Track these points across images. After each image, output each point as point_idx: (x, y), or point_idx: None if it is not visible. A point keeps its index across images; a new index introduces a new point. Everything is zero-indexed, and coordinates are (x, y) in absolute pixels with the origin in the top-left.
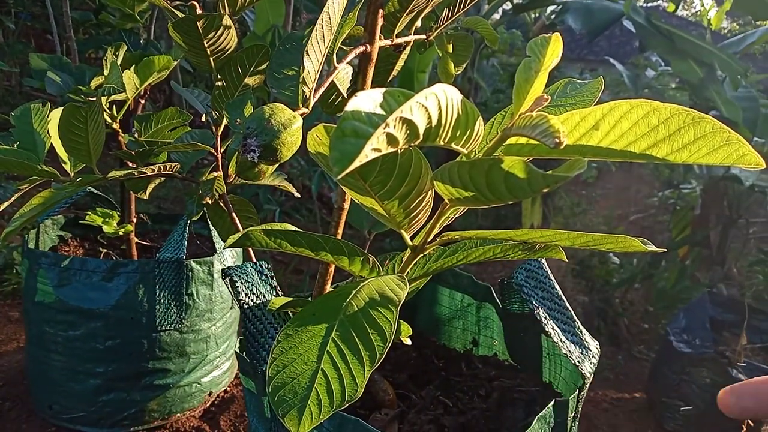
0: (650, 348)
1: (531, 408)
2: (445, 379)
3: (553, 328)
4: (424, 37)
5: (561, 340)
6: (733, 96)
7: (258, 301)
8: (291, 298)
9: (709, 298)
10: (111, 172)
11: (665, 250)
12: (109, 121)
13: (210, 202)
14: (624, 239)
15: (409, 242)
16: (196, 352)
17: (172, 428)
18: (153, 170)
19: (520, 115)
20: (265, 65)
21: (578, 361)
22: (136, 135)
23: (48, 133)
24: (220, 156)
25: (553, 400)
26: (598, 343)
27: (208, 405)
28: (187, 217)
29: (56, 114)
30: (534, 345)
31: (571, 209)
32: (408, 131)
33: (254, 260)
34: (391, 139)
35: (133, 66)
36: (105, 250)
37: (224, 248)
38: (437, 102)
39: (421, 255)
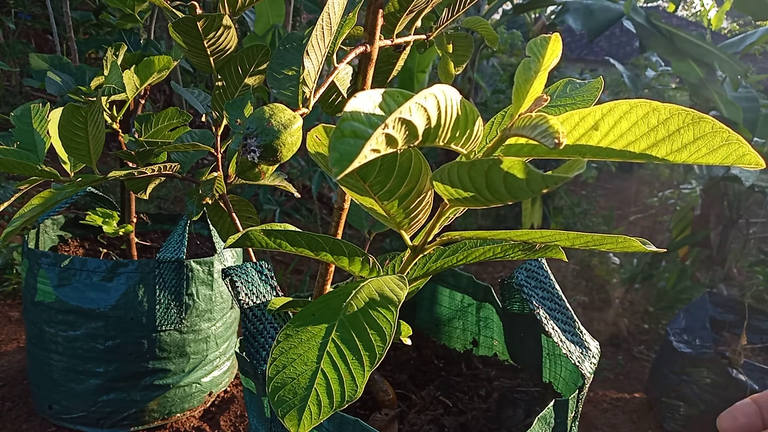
0: (650, 348)
1: (531, 408)
2: (445, 380)
3: (553, 328)
4: (424, 37)
5: (561, 340)
6: (733, 96)
7: (258, 301)
8: (291, 298)
9: (709, 299)
10: (111, 172)
11: (665, 250)
12: (109, 121)
13: (210, 202)
14: (624, 239)
15: (409, 242)
16: (196, 352)
17: (172, 428)
18: (153, 170)
19: (519, 116)
20: (265, 65)
21: (578, 361)
22: (136, 135)
23: (48, 133)
24: (220, 156)
25: (553, 400)
26: (598, 343)
27: (208, 405)
28: (187, 217)
29: (56, 114)
30: (534, 345)
31: (571, 209)
32: (407, 132)
33: (254, 260)
34: (391, 140)
35: (133, 66)
36: (105, 250)
37: (224, 248)
38: (436, 102)
39: (421, 255)
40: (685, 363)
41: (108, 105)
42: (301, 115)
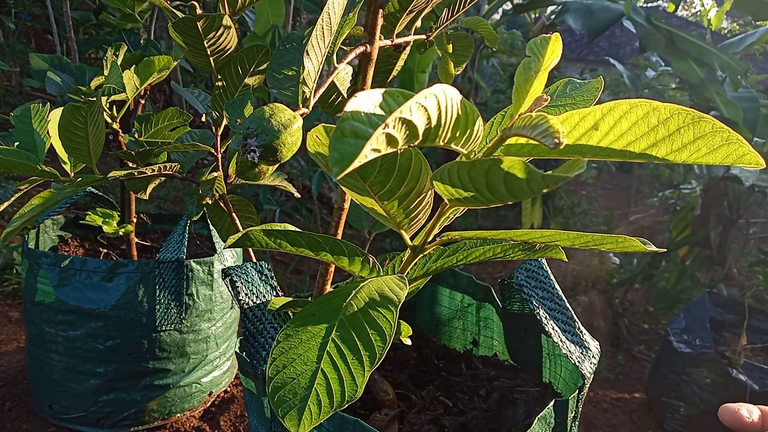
0: (650, 348)
1: (531, 408)
2: (445, 380)
3: (553, 328)
4: (424, 37)
5: (561, 340)
6: (734, 96)
7: (258, 301)
8: (291, 298)
9: (709, 299)
10: (111, 172)
11: (665, 250)
12: (109, 121)
13: (210, 202)
14: (624, 239)
15: (409, 242)
16: (196, 353)
17: (172, 428)
18: (153, 170)
19: (519, 116)
20: (265, 65)
21: (578, 361)
22: (136, 135)
23: (48, 133)
24: (220, 156)
25: (553, 400)
26: (598, 343)
27: (208, 405)
28: (187, 217)
29: (56, 114)
30: (534, 345)
31: (571, 209)
32: (407, 132)
33: (254, 260)
34: (391, 140)
35: (133, 66)
36: (105, 250)
37: (224, 248)
38: (437, 102)
39: (421, 255)
40: (685, 363)
41: (108, 105)
42: (301, 115)
